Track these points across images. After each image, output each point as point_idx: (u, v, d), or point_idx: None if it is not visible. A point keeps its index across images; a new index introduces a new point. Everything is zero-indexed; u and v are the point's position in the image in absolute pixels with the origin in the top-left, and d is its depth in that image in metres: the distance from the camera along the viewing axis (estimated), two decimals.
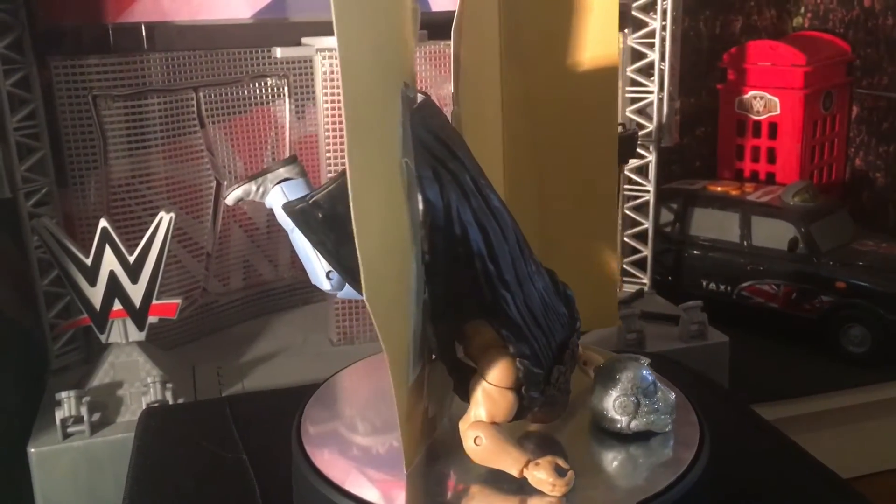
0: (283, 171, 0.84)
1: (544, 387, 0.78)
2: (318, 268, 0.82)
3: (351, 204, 0.66)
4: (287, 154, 1.77)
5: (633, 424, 0.83)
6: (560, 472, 0.73)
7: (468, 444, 0.76)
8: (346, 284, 0.82)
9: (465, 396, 0.79)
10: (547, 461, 0.74)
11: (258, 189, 0.84)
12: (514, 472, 0.75)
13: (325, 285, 0.83)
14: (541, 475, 0.73)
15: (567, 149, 0.99)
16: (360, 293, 0.81)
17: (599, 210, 1.03)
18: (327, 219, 0.77)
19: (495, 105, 0.96)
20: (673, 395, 0.84)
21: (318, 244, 0.80)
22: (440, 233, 0.76)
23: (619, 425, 0.83)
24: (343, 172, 0.78)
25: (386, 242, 0.72)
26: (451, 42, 0.85)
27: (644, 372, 0.83)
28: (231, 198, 0.86)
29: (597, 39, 0.95)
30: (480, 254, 0.77)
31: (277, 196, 0.83)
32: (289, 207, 0.80)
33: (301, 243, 0.82)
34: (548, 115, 0.98)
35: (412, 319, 0.76)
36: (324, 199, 0.78)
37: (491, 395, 0.76)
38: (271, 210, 0.85)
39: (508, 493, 0.75)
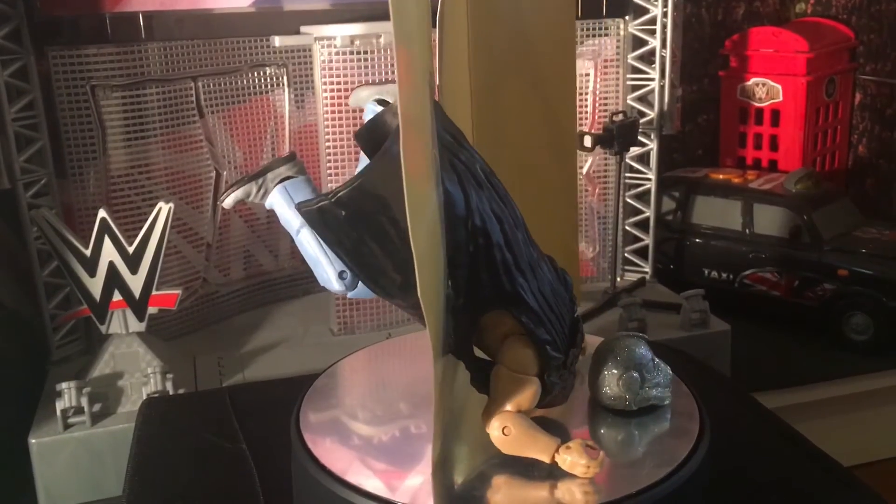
0: (283, 170, 0.81)
1: (562, 371, 0.79)
2: (328, 269, 0.80)
3: (406, 196, 0.64)
4: (286, 143, 1.76)
5: (636, 400, 0.84)
6: (590, 453, 0.73)
7: (496, 435, 0.75)
8: (359, 284, 0.80)
9: (484, 388, 0.79)
10: (577, 444, 0.73)
11: (259, 189, 0.81)
12: (546, 458, 0.74)
13: (337, 286, 0.81)
14: (574, 458, 0.73)
15: (529, 139, 0.98)
16: (377, 292, 0.80)
17: (561, 196, 1.02)
18: (350, 217, 0.75)
19: (465, 94, 0.95)
20: (668, 369, 0.86)
21: (335, 244, 0.78)
22: (461, 224, 0.75)
23: (624, 402, 0.84)
24: (364, 172, 0.76)
25: (430, 236, 0.71)
26: (437, 31, 0.84)
27: (643, 348, 0.85)
28: (230, 200, 0.82)
29: (556, 33, 0.94)
30: (499, 243, 0.76)
31: (280, 196, 0.81)
32: (305, 206, 0.77)
33: (309, 244, 0.80)
34: (509, 107, 0.97)
35: (442, 314, 0.75)
36: (347, 197, 0.75)
37: (516, 383, 0.76)
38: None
39: (537, 479, 0.75)
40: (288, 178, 0.81)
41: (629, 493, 0.73)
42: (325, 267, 0.80)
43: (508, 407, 0.76)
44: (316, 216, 0.77)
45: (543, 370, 0.77)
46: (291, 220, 0.81)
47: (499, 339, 0.78)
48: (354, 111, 1.54)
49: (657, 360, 0.85)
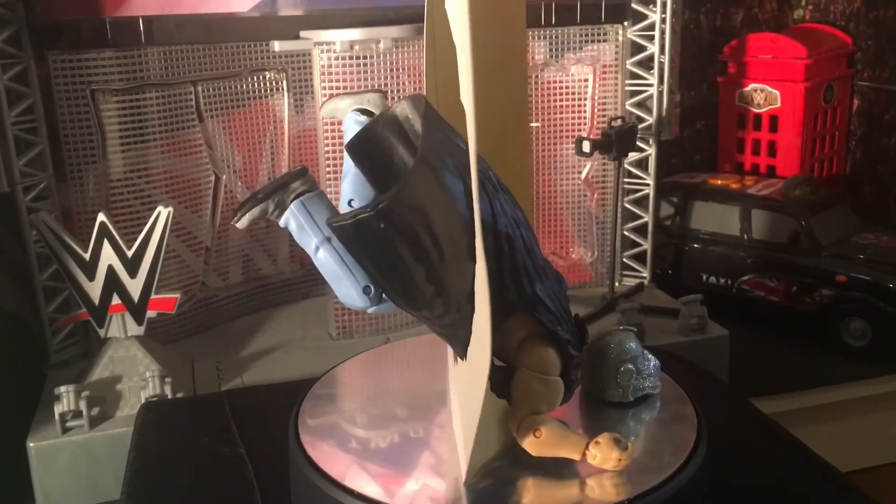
0: (298, 185, 0.79)
1: (579, 369, 0.80)
2: (350, 284, 0.79)
3: (474, 201, 0.66)
4: (286, 148, 1.76)
5: (632, 391, 0.87)
6: (620, 445, 0.74)
7: (527, 439, 0.75)
8: (382, 298, 0.79)
9: (504, 394, 0.79)
10: (605, 438, 0.74)
11: (276, 208, 0.79)
12: (576, 456, 0.75)
13: (360, 302, 0.79)
14: (604, 453, 0.73)
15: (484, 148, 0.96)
16: (403, 305, 0.79)
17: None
18: (387, 229, 0.74)
19: (434, 96, 0.95)
20: (656, 359, 0.90)
21: (366, 258, 0.77)
22: (489, 230, 0.74)
23: (621, 394, 0.87)
24: (402, 183, 0.74)
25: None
26: (425, 37, 0.84)
27: (633, 341, 0.88)
28: (245, 220, 0.80)
29: (506, 33, 0.92)
30: (520, 248, 0.77)
31: (298, 213, 0.79)
32: (337, 221, 0.76)
33: (330, 261, 0.79)
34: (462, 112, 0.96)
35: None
36: (387, 208, 0.73)
37: (542, 385, 0.76)
38: None
39: (566, 478, 0.76)
40: (302, 193, 0.80)
41: (660, 482, 0.75)
42: (347, 283, 0.79)
43: (538, 409, 0.76)
44: (351, 230, 0.75)
45: (565, 369, 0.78)
46: (310, 236, 0.79)
47: (516, 342, 0.78)
48: None
49: (645, 351, 0.89)
